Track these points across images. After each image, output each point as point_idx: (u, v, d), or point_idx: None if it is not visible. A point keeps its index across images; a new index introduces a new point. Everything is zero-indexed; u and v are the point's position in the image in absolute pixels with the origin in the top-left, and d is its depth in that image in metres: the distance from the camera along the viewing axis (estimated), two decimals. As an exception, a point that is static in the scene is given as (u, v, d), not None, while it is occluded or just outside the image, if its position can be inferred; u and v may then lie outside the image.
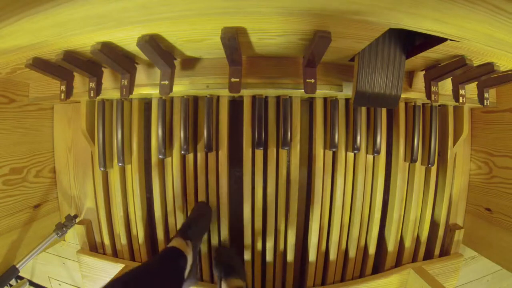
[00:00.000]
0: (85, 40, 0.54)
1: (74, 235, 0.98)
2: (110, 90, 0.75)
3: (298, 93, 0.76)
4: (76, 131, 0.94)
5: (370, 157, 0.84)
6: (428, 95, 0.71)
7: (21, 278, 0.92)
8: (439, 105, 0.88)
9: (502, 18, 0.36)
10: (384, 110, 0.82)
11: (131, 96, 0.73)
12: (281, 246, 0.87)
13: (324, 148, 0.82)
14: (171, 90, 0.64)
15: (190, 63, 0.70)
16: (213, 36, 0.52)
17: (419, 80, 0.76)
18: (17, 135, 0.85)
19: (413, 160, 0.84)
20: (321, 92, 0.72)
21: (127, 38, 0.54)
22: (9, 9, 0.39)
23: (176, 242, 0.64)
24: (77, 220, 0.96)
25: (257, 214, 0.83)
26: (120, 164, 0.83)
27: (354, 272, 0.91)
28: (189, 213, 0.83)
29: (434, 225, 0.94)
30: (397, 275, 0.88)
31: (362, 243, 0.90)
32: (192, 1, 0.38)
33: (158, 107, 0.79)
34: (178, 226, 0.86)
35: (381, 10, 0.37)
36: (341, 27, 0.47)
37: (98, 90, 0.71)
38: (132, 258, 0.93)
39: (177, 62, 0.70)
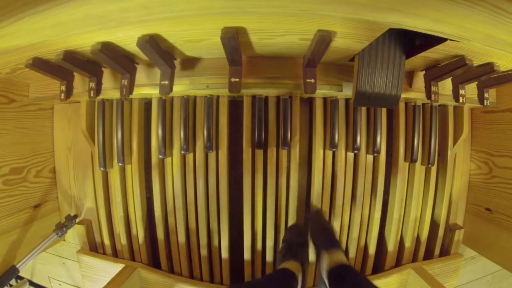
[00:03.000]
0: (85, 40, 0.54)
1: (74, 235, 0.98)
2: (110, 90, 0.75)
3: (298, 93, 0.76)
4: (76, 131, 0.94)
5: (370, 157, 0.84)
6: (428, 95, 0.71)
7: (21, 278, 0.92)
8: (439, 105, 0.87)
9: (502, 18, 0.36)
10: (384, 110, 0.82)
11: (131, 96, 0.73)
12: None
13: (324, 148, 0.82)
14: (171, 90, 0.64)
15: (190, 63, 0.70)
16: (213, 36, 0.52)
17: (419, 80, 0.76)
18: (17, 135, 0.85)
19: (413, 160, 0.84)
20: (321, 92, 0.72)
21: (127, 38, 0.54)
22: (9, 9, 0.39)
23: (288, 264, 0.64)
24: (77, 220, 0.96)
25: (257, 214, 0.83)
26: (120, 164, 0.83)
27: (354, 272, 0.91)
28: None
29: (434, 225, 0.94)
30: (397, 275, 0.88)
31: (362, 243, 0.90)
32: (192, 1, 0.38)
33: (158, 107, 0.79)
34: (179, 227, 0.86)
35: (381, 10, 0.37)
36: (341, 27, 0.47)
37: (98, 90, 0.71)
38: (132, 258, 0.93)
39: (177, 62, 0.70)
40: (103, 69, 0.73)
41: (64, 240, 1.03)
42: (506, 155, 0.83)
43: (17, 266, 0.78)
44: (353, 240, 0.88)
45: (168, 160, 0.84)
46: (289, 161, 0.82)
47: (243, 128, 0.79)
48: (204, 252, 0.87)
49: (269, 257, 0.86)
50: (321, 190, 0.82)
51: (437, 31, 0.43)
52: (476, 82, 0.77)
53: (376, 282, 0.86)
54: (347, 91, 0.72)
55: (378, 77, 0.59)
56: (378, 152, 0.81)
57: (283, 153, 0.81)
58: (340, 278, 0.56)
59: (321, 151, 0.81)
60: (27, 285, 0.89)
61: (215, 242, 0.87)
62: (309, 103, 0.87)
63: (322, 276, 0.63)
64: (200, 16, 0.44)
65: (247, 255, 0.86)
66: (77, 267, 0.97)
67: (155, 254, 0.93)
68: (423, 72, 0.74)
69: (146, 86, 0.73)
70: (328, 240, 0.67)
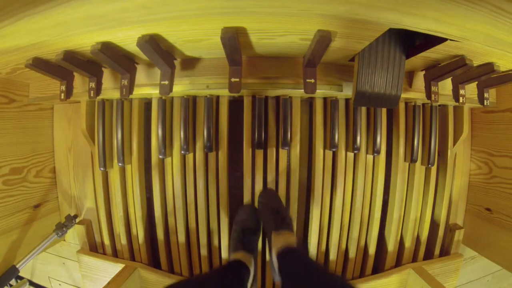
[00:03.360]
0: (85, 40, 0.54)
1: (74, 235, 0.98)
2: (110, 90, 0.75)
3: (298, 93, 0.76)
4: (76, 131, 0.94)
5: (370, 157, 0.84)
6: (428, 95, 0.71)
7: (21, 278, 0.92)
8: (439, 105, 0.88)
9: (502, 18, 0.36)
10: (384, 110, 0.82)
11: (131, 96, 0.73)
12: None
13: (324, 148, 0.82)
14: (171, 90, 0.64)
15: (190, 63, 0.70)
16: (213, 36, 0.52)
17: (419, 80, 0.76)
18: (17, 135, 0.85)
19: (413, 160, 0.84)
20: (321, 92, 0.72)
21: (127, 38, 0.54)
22: (9, 9, 0.39)
23: (240, 255, 0.64)
24: (77, 220, 0.96)
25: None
26: (120, 164, 0.83)
27: (354, 272, 0.91)
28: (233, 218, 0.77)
29: (434, 225, 0.94)
30: (397, 275, 0.88)
31: (362, 243, 0.90)
32: (192, 1, 0.38)
33: (158, 107, 0.79)
34: (179, 227, 0.86)
35: (381, 10, 0.37)
36: (341, 27, 0.47)
37: (98, 90, 0.71)
38: (132, 258, 0.93)
39: (177, 62, 0.70)
40: (103, 69, 0.73)
41: (64, 240, 1.03)
42: (506, 155, 0.83)
43: (17, 266, 0.78)
44: (353, 240, 0.88)
45: (168, 160, 0.84)
46: (289, 161, 0.82)
47: (243, 128, 0.79)
48: (204, 252, 0.87)
49: (269, 256, 0.86)
50: (321, 190, 0.82)
51: (437, 31, 0.43)
52: (476, 82, 0.77)
53: (376, 282, 0.87)
54: (347, 91, 0.72)
55: (378, 77, 0.59)
56: (378, 152, 0.81)
57: (283, 153, 0.81)
58: (287, 260, 0.55)
59: (321, 151, 0.81)
60: (27, 285, 0.89)
61: (215, 242, 0.87)
62: (309, 103, 0.87)
63: (272, 260, 0.61)
64: (200, 16, 0.44)
65: (247, 255, 0.86)
66: (77, 267, 0.97)
67: (155, 254, 0.93)
68: (423, 72, 0.74)
69: (146, 86, 0.73)
70: (277, 220, 0.65)
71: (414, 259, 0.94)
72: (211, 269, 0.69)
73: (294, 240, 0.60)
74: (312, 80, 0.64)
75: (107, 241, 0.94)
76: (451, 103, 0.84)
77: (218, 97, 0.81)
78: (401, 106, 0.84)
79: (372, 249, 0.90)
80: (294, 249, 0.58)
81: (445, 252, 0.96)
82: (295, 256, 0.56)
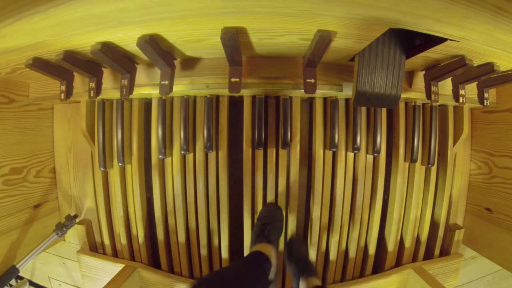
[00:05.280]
0: (85, 40, 0.54)
1: (74, 235, 0.98)
2: (110, 90, 0.75)
3: (298, 93, 0.76)
4: (76, 131, 0.94)
5: (370, 157, 0.84)
6: (428, 95, 0.71)
7: (21, 278, 0.92)
8: (439, 105, 0.87)
9: (502, 18, 0.36)
10: (384, 110, 0.82)
11: (131, 96, 0.73)
12: (281, 246, 0.86)
13: (324, 148, 0.82)
14: (171, 90, 0.64)
15: (190, 63, 0.70)
16: (213, 36, 0.52)
17: (419, 80, 0.76)
18: (17, 135, 0.85)
19: (413, 160, 0.84)
20: (321, 92, 0.72)
21: (127, 38, 0.54)
22: (9, 9, 0.39)
23: (261, 247, 0.65)
24: (77, 220, 0.96)
25: (257, 214, 0.82)
26: (120, 164, 0.83)
27: (354, 272, 0.91)
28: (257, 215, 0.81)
29: (434, 225, 0.94)
30: (397, 275, 0.88)
31: (362, 243, 0.90)
32: (192, 1, 0.38)
33: (158, 107, 0.79)
34: (179, 227, 0.86)
35: (381, 10, 0.37)
36: (341, 27, 0.47)
37: (98, 90, 0.71)
38: (132, 258, 0.93)
39: (177, 62, 0.70)
40: (103, 69, 0.73)
41: (64, 240, 1.03)
42: (506, 155, 0.83)
43: (17, 266, 0.78)
44: (353, 240, 0.88)
45: (168, 160, 0.84)
46: (289, 161, 0.82)
47: (243, 128, 0.79)
48: (204, 252, 0.87)
49: None
50: (321, 190, 0.82)
51: (437, 31, 0.43)
52: (476, 82, 0.77)
53: (376, 282, 0.87)
54: (347, 91, 0.72)
55: (378, 77, 0.59)
56: (378, 152, 0.81)
57: (283, 153, 0.81)
58: (247, 259, 0.60)
59: (321, 151, 0.81)
60: (27, 285, 0.89)
61: (215, 242, 0.87)
62: (309, 103, 0.87)
63: None
64: (200, 16, 0.44)
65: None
66: (77, 267, 0.97)
67: (155, 254, 0.93)
68: (423, 72, 0.74)
69: (146, 86, 0.73)
70: (308, 268, 0.69)
71: (414, 259, 0.94)
72: (234, 261, 0.71)
73: (319, 283, 0.64)
74: (312, 80, 0.64)
75: (107, 241, 0.94)
76: (451, 103, 0.84)
77: (218, 97, 0.81)
78: (401, 106, 0.84)
79: (372, 249, 0.90)
80: (263, 256, 0.62)
81: (445, 252, 0.96)
82: (258, 262, 0.59)
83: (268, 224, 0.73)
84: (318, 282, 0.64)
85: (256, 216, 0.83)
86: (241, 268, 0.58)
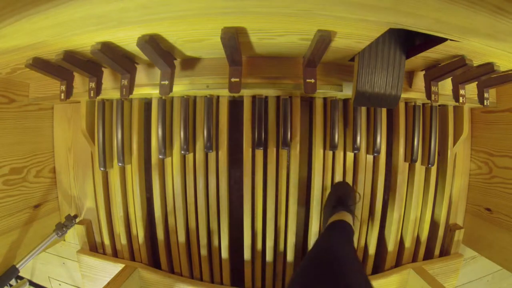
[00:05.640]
0: (85, 40, 0.54)
1: (74, 235, 0.98)
2: (110, 90, 0.75)
3: (298, 93, 0.76)
4: (76, 131, 0.95)
5: (370, 157, 0.84)
6: (428, 95, 0.71)
7: (21, 278, 0.92)
8: (439, 105, 0.87)
9: (502, 18, 0.36)
10: (384, 110, 0.82)
11: (131, 96, 0.73)
12: (281, 246, 0.87)
13: (324, 148, 0.82)
14: (171, 90, 0.64)
15: (190, 63, 0.70)
16: (213, 36, 0.52)
17: (419, 80, 0.76)
18: (17, 135, 0.85)
19: (413, 160, 0.84)
20: (321, 92, 0.72)
21: (127, 38, 0.54)
22: (9, 9, 0.39)
23: (342, 216, 0.68)
24: (77, 220, 0.96)
25: (257, 214, 0.83)
26: (120, 164, 0.83)
27: (354, 272, 0.91)
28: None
29: (434, 225, 0.93)
30: (397, 275, 0.88)
31: (362, 243, 0.90)
32: (192, 1, 0.38)
33: (158, 107, 0.79)
34: (179, 227, 0.86)
35: (381, 10, 0.37)
36: (341, 27, 0.47)
37: (98, 90, 0.71)
38: (132, 258, 0.93)
39: (177, 62, 0.70)
40: (103, 69, 0.73)
41: (64, 240, 1.03)
42: (506, 155, 0.83)
43: (17, 266, 0.78)
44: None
45: (168, 160, 0.84)
46: (289, 161, 0.82)
47: (243, 128, 0.79)
48: (204, 252, 0.87)
49: (269, 257, 0.86)
50: (321, 190, 0.82)
51: (437, 31, 0.43)
52: (476, 82, 0.77)
53: (376, 282, 0.87)
54: (347, 91, 0.72)
55: (378, 77, 0.59)
56: (378, 152, 0.81)
57: (283, 153, 0.81)
58: (331, 228, 0.63)
59: (321, 151, 0.81)
60: (27, 285, 0.89)
61: (215, 242, 0.87)
62: (309, 103, 0.87)
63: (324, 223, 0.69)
64: (200, 16, 0.44)
65: (247, 255, 0.86)
66: (77, 267, 0.97)
67: (155, 254, 0.93)
68: (423, 72, 0.74)
69: (146, 86, 0.73)
70: (345, 204, 0.72)
71: (414, 259, 0.94)
72: (324, 233, 0.71)
73: (349, 218, 0.67)
74: (312, 80, 0.64)
75: (107, 241, 0.94)
76: (451, 103, 0.84)
77: (218, 97, 0.81)
78: (401, 106, 0.84)
79: (372, 249, 0.90)
80: (344, 222, 0.64)
81: (445, 252, 0.96)
82: (343, 225, 0.61)
83: (344, 195, 0.75)
84: (348, 217, 0.66)
85: (256, 216, 0.83)
86: (334, 235, 0.61)
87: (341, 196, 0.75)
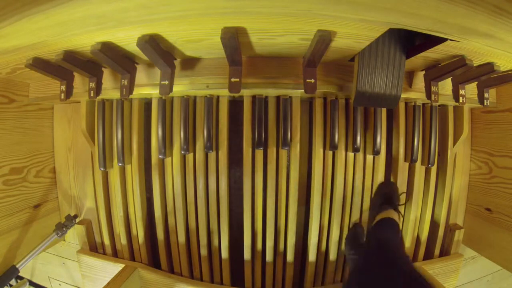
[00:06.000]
0: (85, 40, 0.54)
1: (74, 235, 0.98)
2: (110, 90, 0.75)
3: (298, 93, 0.76)
4: (76, 131, 0.94)
5: (370, 157, 0.84)
6: (428, 95, 0.71)
7: (21, 278, 0.92)
8: (439, 105, 0.87)
9: (502, 18, 0.36)
10: (384, 110, 0.82)
11: (131, 96, 0.73)
12: (281, 246, 0.87)
13: (324, 148, 0.82)
14: (171, 90, 0.64)
15: (190, 63, 0.70)
16: (213, 36, 0.52)
17: (419, 80, 0.76)
18: (17, 135, 0.85)
19: (413, 160, 0.84)
20: (321, 92, 0.72)
21: (127, 38, 0.54)
22: (9, 9, 0.39)
23: (392, 214, 0.72)
24: (77, 220, 0.96)
25: (257, 214, 0.83)
26: (120, 164, 0.83)
27: (354, 272, 0.91)
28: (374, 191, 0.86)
29: (434, 225, 0.93)
30: (397, 275, 0.88)
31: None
32: (192, 1, 0.38)
33: (158, 107, 0.79)
34: (179, 227, 0.86)
35: (381, 10, 0.37)
36: (341, 27, 0.47)
37: (98, 90, 0.71)
38: (132, 258, 0.93)
39: (177, 62, 0.70)
40: (103, 69, 0.73)
41: (64, 240, 1.03)
42: (506, 155, 0.83)
43: (17, 266, 0.78)
44: (353, 240, 0.87)
45: (168, 160, 0.84)
46: (289, 161, 0.82)
47: (243, 128, 0.79)
48: (204, 252, 0.87)
49: (269, 257, 0.86)
50: (321, 190, 0.82)
51: (437, 31, 0.43)
52: (476, 82, 0.77)
53: (376, 282, 0.86)
54: (347, 91, 0.72)
55: (378, 77, 0.59)
56: (378, 152, 0.81)
57: (283, 153, 0.81)
58: (381, 224, 0.67)
59: (321, 151, 0.81)
60: (27, 285, 0.89)
61: (215, 242, 0.87)
62: (309, 103, 0.87)
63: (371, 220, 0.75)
64: (200, 16, 0.44)
65: (247, 255, 0.86)
66: (77, 267, 0.97)
67: (155, 254, 0.93)
68: (423, 72, 0.74)
69: (146, 86, 0.73)
70: (391, 202, 0.77)
71: (414, 259, 0.94)
72: (373, 229, 0.76)
73: (395, 215, 0.71)
74: (312, 80, 0.64)
75: (107, 241, 0.94)
76: (451, 103, 0.84)
77: (218, 97, 0.81)
78: (401, 106, 0.84)
79: (372, 249, 0.90)
80: (392, 219, 0.69)
81: (445, 252, 0.96)
82: (391, 224, 0.67)
83: (390, 193, 0.80)
84: (395, 215, 0.70)
85: (256, 216, 0.83)
86: (384, 231, 0.67)
87: (387, 194, 0.79)
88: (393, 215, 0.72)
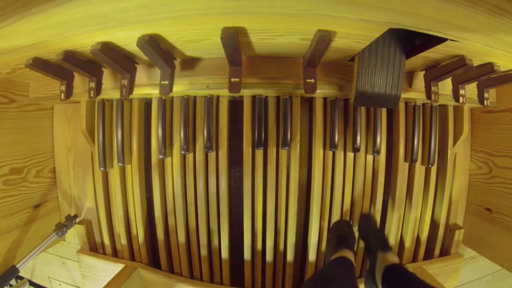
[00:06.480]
0: (85, 40, 0.54)
1: (74, 235, 0.98)
2: (110, 90, 0.75)
3: (298, 93, 0.76)
4: (76, 131, 0.95)
5: (370, 157, 0.84)
6: (428, 95, 0.71)
7: (21, 278, 0.92)
8: (439, 105, 0.87)
9: (502, 18, 0.36)
10: (384, 110, 0.82)
11: (131, 96, 0.73)
12: (281, 246, 0.87)
13: (324, 148, 0.82)
14: (171, 90, 0.64)
15: (190, 63, 0.70)
16: (213, 36, 0.52)
17: (419, 80, 0.76)
18: (17, 135, 0.85)
19: (413, 160, 0.84)
20: (321, 92, 0.72)
21: (127, 38, 0.54)
22: (9, 9, 0.39)
23: (346, 253, 0.72)
24: (77, 220, 0.96)
25: (257, 214, 0.83)
26: (120, 164, 0.83)
27: (354, 272, 0.91)
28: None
29: (434, 225, 0.93)
30: (397, 275, 0.88)
31: (363, 243, 0.90)
32: (192, 1, 0.38)
33: (158, 107, 0.79)
34: (179, 227, 0.86)
35: (381, 10, 0.37)
36: (341, 27, 0.47)
37: (98, 90, 0.71)
38: (132, 258, 0.93)
39: (177, 62, 0.70)
40: (103, 69, 0.73)
41: (64, 240, 1.03)
42: (506, 155, 0.83)
43: (17, 266, 0.78)
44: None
45: (168, 160, 0.84)
46: (289, 161, 0.82)
47: (243, 128, 0.79)
48: (204, 252, 0.87)
49: (269, 257, 0.86)
50: (321, 190, 0.82)
51: (437, 31, 0.43)
52: (476, 82, 0.77)
53: (376, 282, 0.86)
54: (347, 91, 0.72)
55: (378, 77, 0.59)
56: (378, 152, 0.81)
57: (283, 153, 0.81)
58: (395, 275, 0.64)
59: (321, 151, 0.81)
60: (27, 285, 0.89)
61: (215, 242, 0.87)
62: (309, 103, 0.87)
63: (372, 274, 0.71)
64: (200, 16, 0.44)
65: (247, 255, 0.86)
66: (77, 267, 0.97)
67: (155, 254, 0.93)
68: (423, 72, 0.74)
69: (146, 86, 0.73)
70: (384, 243, 0.74)
71: (414, 259, 0.94)
72: (324, 267, 0.77)
73: (398, 260, 0.69)
74: (312, 80, 0.64)
75: (107, 241, 0.94)
76: (451, 103, 0.84)
77: (218, 97, 0.81)
78: (401, 106, 0.84)
79: (372, 249, 0.90)
80: (401, 266, 0.67)
81: (445, 252, 0.96)
82: (403, 272, 0.63)
83: (345, 234, 0.80)
84: (395, 258, 0.69)
85: (256, 216, 0.83)
86: (335, 269, 0.67)
87: (341, 236, 0.79)
88: (348, 254, 0.72)
